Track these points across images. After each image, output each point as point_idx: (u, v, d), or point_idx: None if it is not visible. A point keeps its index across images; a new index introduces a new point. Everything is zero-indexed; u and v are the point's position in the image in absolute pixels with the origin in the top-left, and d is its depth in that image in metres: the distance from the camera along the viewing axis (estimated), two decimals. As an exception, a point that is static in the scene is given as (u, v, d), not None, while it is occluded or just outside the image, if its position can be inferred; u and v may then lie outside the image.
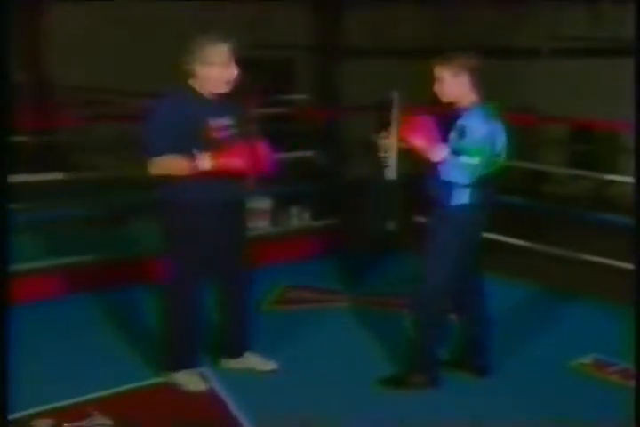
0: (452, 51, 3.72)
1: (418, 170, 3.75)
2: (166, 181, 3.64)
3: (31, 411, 3.57)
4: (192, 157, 3.54)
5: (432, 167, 3.66)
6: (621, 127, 7.54)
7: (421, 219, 4.45)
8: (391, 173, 3.84)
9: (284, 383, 3.94)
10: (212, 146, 3.59)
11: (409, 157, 3.77)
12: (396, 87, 6.38)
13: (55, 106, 8.98)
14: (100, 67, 8.59)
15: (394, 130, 3.87)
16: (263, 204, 6.25)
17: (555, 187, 9.06)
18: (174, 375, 3.91)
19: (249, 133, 3.73)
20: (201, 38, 3.60)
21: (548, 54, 9.33)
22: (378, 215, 6.57)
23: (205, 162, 3.55)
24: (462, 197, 3.66)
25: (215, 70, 3.60)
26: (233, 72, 3.64)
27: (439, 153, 3.61)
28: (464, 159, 3.57)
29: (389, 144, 3.85)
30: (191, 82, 3.66)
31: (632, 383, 3.68)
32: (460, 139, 3.61)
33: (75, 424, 3.50)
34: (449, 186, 3.64)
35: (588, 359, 4.28)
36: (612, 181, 7.53)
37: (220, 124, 3.67)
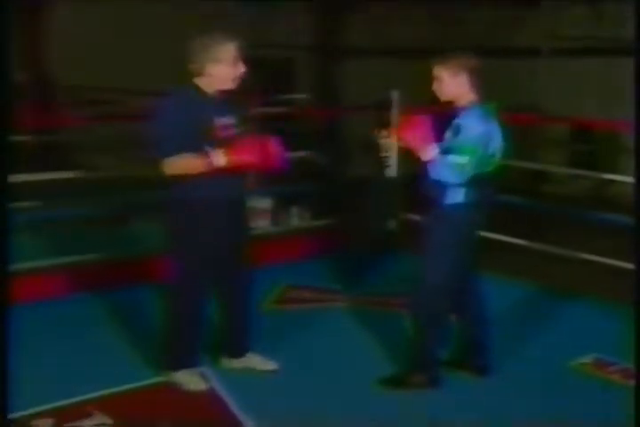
0: (451, 51, 3.73)
1: (417, 169, 3.76)
2: (175, 180, 3.64)
3: (31, 411, 3.57)
4: (205, 154, 3.56)
5: (426, 166, 3.67)
6: (622, 127, 7.54)
7: (420, 218, 4.45)
8: (391, 172, 3.85)
9: (284, 383, 3.94)
10: (218, 144, 3.60)
11: (409, 156, 3.78)
12: (396, 87, 6.42)
13: (56, 105, 8.99)
14: (100, 66, 8.60)
15: (393, 129, 3.88)
16: (264, 203, 6.25)
17: (555, 186, 9.06)
18: (175, 375, 3.91)
19: (251, 132, 3.74)
20: (208, 36, 3.62)
21: (548, 54, 9.34)
22: (378, 215, 6.57)
23: (220, 158, 3.56)
24: (457, 197, 3.66)
25: (224, 68, 3.62)
26: (240, 69, 3.67)
27: (429, 152, 3.62)
28: (453, 158, 3.57)
29: (389, 144, 3.86)
30: (197, 80, 3.67)
31: (633, 383, 3.68)
32: (455, 138, 3.62)
33: (75, 424, 3.51)
34: (443, 185, 3.64)
35: (588, 359, 4.28)
36: (613, 181, 7.54)
37: (225, 123, 3.68)
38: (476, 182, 3.63)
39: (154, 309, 4.63)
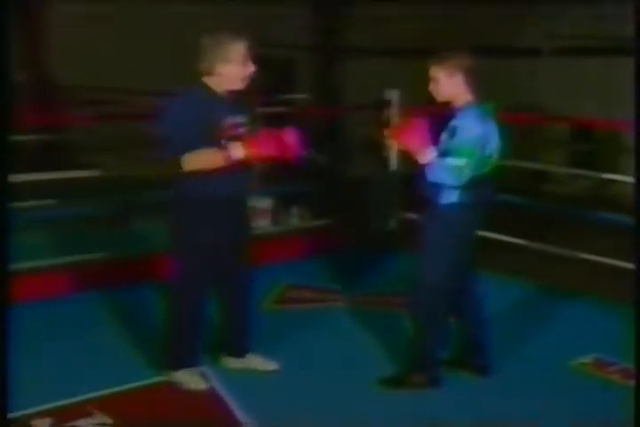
0: (447, 51, 3.72)
1: (415, 169, 3.76)
2: (187, 177, 3.64)
3: (31, 410, 3.57)
4: (222, 148, 3.56)
5: (422, 167, 3.67)
6: (622, 127, 7.53)
7: (417, 218, 4.45)
8: (392, 171, 3.86)
9: (284, 383, 3.94)
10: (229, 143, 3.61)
11: (407, 156, 3.79)
12: (396, 87, 6.42)
13: (55, 105, 8.99)
14: (100, 66, 8.60)
15: (392, 131, 3.88)
16: (264, 203, 6.26)
17: (555, 186, 9.06)
18: (175, 374, 3.91)
19: (261, 130, 3.75)
20: (218, 36, 3.62)
21: (548, 54, 9.33)
22: (378, 215, 6.57)
23: (238, 151, 3.56)
24: (452, 197, 3.66)
25: (234, 67, 3.62)
26: (250, 69, 3.67)
27: (426, 155, 3.62)
28: (450, 161, 3.57)
29: (389, 143, 3.86)
30: (206, 79, 3.68)
31: (633, 383, 3.68)
32: (451, 139, 3.62)
33: (75, 423, 3.51)
34: (439, 185, 3.64)
35: (588, 359, 4.28)
36: (613, 181, 7.53)
37: (234, 122, 3.69)
38: (472, 183, 3.63)
39: (155, 308, 4.64)
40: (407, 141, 3.66)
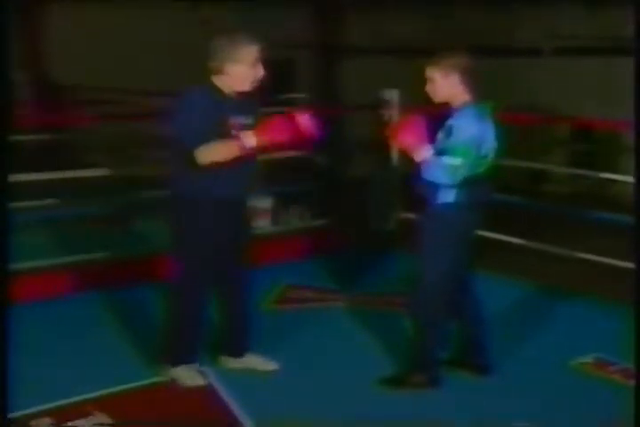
0: (445, 50, 3.72)
1: (412, 168, 3.77)
2: (182, 178, 3.65)
3: (31, 410, 3.57)
4: (235, 137, 3.57)
5: (419, 166, 3.67)
6: (622, 127, 7.53)
7: (415, 217, 4.45)
8: (391, 171, 3.86)
9: (284, 383, 3.94)
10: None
11: (406, 155, 3.79)
12: (396, 86, 6.42)
13: (55, 105, 8.99)
14: (100, 66, 8.60)
15: (389, 129, 3.88)
16: (264, 203, 6.26)
17: (555, 186, 9.06)
18: (173, 370, 3.91)
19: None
20: (231, 36, 3.63)
21: (548, 54, 9.33)
22: (377, 215, 6.57)
23: (250, 139, 3.56)
24: (448, 196, 3.67)
25: (243, 68, 3.63)
26: (260, 71, 3.68)
27: (422, 153, 3.62)
28: (446, 160, 3.57)
29: (389, 143, 3.86)
30: (215, 79, 3.68)
31: (633, 383, 3.67)
32: (447, 139, 3.62)
33: (74, 423, 3.51)
34: (435, 185, 3.65)
35: (588, 359, 4.28)
36: (613, 181, 7.53)
37: (240, 123, 3.69)
38: (468, 183, 3.63)
39: (155, 308, 4.63)
40: (403, 139, 3.67)
